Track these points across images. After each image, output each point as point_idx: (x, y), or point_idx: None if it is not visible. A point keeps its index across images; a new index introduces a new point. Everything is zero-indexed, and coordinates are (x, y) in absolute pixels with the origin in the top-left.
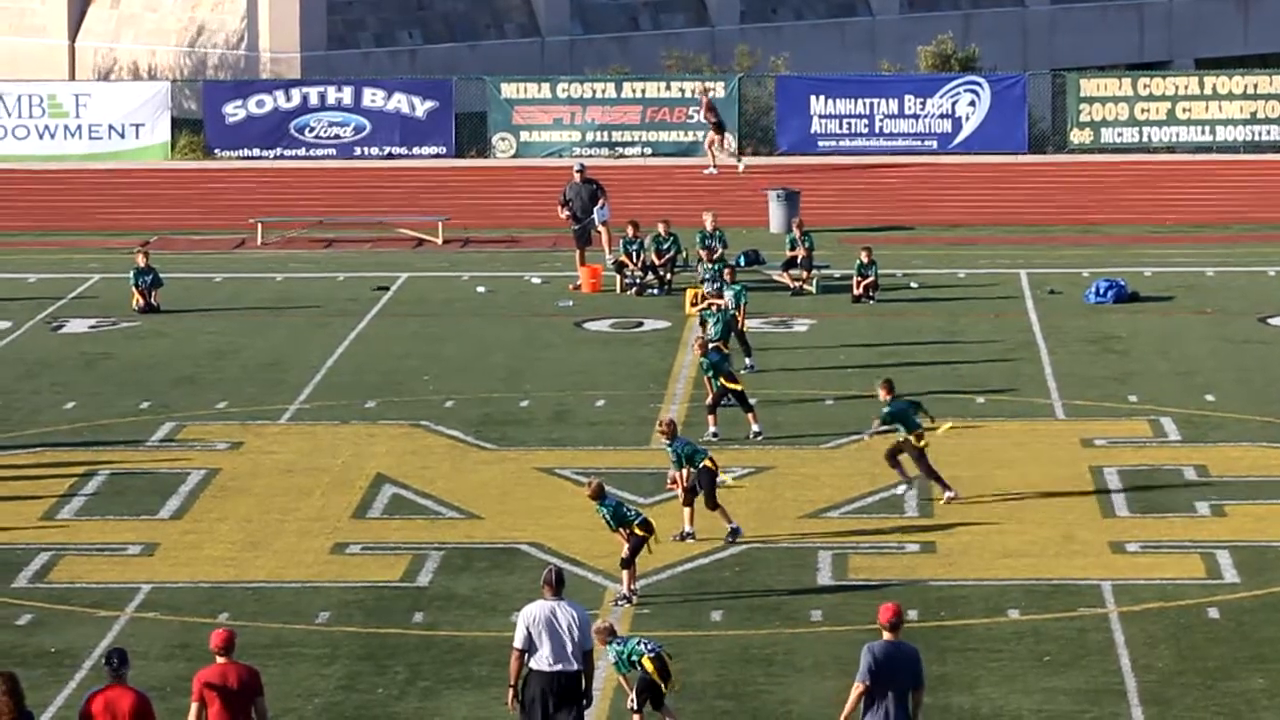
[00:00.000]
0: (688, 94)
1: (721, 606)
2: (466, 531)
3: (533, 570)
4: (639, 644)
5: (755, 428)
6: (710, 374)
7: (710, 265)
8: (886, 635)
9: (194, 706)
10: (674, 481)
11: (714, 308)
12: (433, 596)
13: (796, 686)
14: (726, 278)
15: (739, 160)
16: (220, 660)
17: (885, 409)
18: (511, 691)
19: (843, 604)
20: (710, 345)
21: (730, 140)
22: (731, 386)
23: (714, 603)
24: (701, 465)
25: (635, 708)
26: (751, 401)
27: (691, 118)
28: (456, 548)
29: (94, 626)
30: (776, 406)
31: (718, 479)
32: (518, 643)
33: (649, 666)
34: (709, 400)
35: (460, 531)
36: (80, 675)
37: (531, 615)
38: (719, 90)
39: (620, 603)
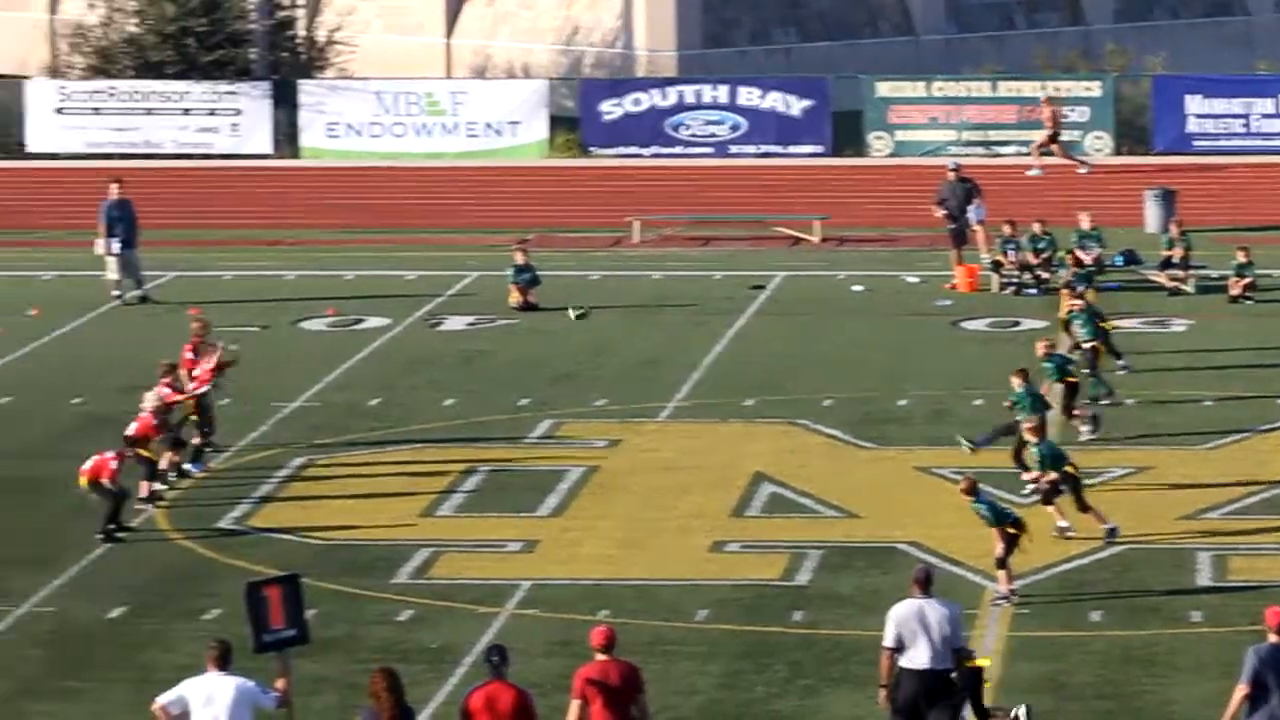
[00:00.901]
0: (1062, 93)
1: (1101, 607)
2: (846, 530)
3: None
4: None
5: (1084, 428)
6: (1054, 377)
7: (1078, 270)
8: (1272, 638)
9: (576, 704)
10: (1037, 481)
11: (1076, 309)
12: (812, 595)
13: (1178, 687)
14: (1074, 301)
15: (1037, 163)
16: (601, 658)
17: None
18: (884, 691)
19: (1223, 605)
20: (1086, 345)
21: (1063, 150)
22: (1068, 380)
23: (1093, 603)
24: (1064, 469)
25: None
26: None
27: (1066, 116)
28: (836, 546)
29: (474, 623)
30: (1155, 407)
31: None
32: (888, 641)
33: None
34: (1061, 402)
35: (839, 530)
36: (461, 671)
37: (901, 614)
38: (1095, 89)
39: (999, 602)
